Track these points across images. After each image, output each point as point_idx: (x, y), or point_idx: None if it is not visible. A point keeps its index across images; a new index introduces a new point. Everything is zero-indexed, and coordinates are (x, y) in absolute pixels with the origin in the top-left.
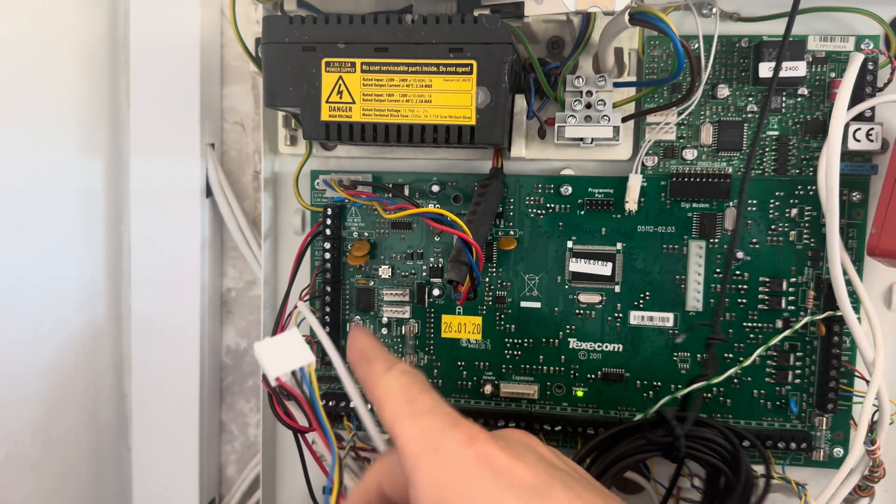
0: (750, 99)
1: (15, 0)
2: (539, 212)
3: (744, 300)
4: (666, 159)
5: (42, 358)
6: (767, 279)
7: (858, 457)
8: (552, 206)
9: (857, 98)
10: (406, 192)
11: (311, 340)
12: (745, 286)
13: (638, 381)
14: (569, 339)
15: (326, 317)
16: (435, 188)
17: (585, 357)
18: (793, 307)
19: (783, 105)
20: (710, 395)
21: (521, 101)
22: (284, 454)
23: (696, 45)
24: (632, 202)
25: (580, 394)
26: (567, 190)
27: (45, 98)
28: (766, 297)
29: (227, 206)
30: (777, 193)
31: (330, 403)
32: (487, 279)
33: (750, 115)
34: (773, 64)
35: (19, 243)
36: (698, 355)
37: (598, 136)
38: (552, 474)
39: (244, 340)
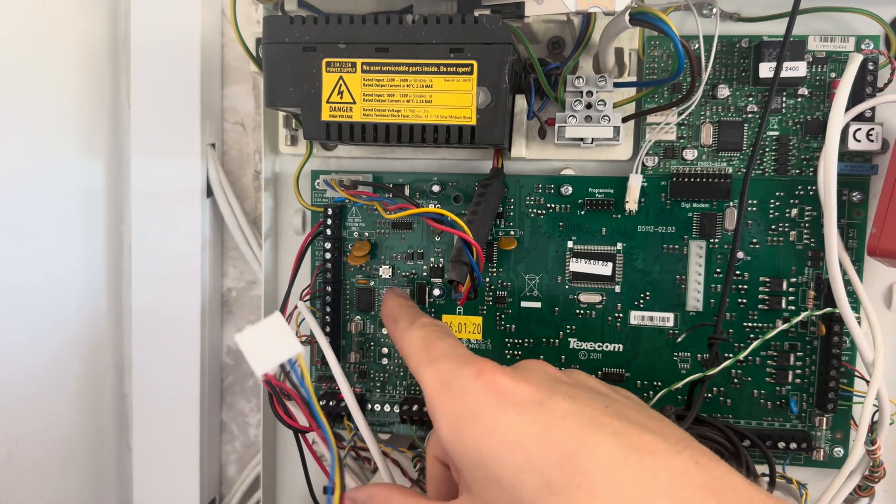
0: (750, 99)
1: (15, 0)
2: (539, 212)
3: (744, 300)
4: (666, 159)
5: (42, 358)
6: (767, 279)
7: (859, 457)
8: (552, 206)
9: (857, 98)
10: (406, 192)
11: (312, 340)
12: (745, 286)
13: (638, 381)
14: (569, 339)
15: (327, 317)
16: (435, 188)
17: (586, 357)
18: (793, 307)
19: (783, 105)
20: (710, 394)
21: (521, 102)
22: (285, 454)
23: (697, 46)
24: (632, 202)
25: None
26: (567, 190)
27: (46, 98)
28: (766, 297)
29: (227, 206)
30: (777, 193)
31: (330, 403)
32: (488, 279)
33: (750, 116)
34: (773, 64)
35: (20, 243)
36: (699, 355)
37: (598, 136)
38: (554, 388)
39: None
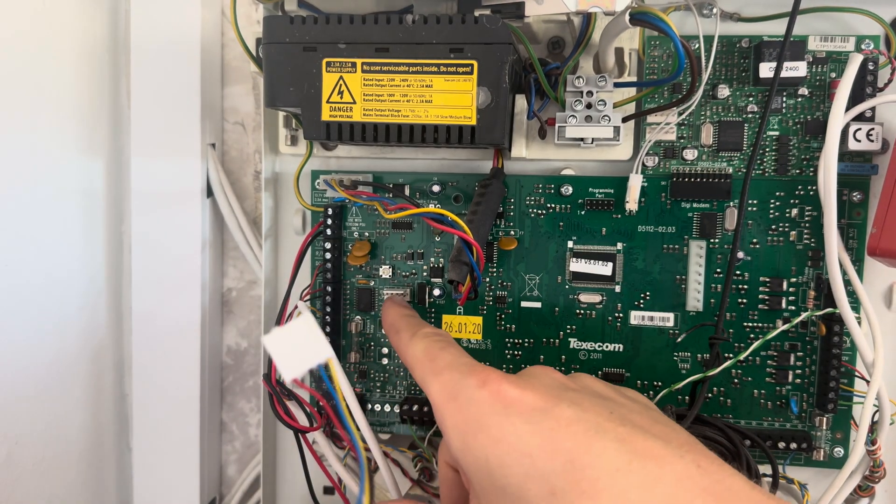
0: (750, 99)
1: (15, 0)
2: (539, 212)
3: (744, 300)
4: (666, 159)
5: (42, 358)
6: (768, 279)
7: (859, 457)
8: (552, 206)
9: (857, 98)
10: (406, 192)
11: None
12: (745, 286)
13: (638, 381)
14: (569, 339)
15: (327, 317)
16: (435, 188)
17: (586, 357)
18: (793, 307)
19: (783, 105)
20: (710, 394)
21: (521, 101)
22: (285, 454)
23: (697, 46)
24: (632, 202)
25: None
26: (567, 190)
27: (46, 98)
28: (766, 297)
29: (227, 206)
30: (777, 193)
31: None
32: (488, 279)
33: (750, 116)
34: (773, 64)
35: (20, 243)
36: (699, 355)
37: (598, 136)
38: (559, 395)
39: (245, 340)
